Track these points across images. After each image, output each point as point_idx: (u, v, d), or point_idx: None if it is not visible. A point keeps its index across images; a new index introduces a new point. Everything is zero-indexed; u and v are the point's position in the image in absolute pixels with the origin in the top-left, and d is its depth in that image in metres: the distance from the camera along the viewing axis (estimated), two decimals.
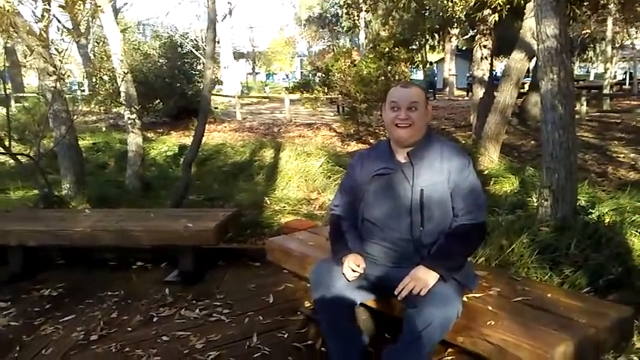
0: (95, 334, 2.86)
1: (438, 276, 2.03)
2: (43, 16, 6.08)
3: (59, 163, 7.11)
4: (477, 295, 2.24)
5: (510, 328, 1.96)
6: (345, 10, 13.23)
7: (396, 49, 9.63)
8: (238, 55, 40.78)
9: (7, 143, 5.11)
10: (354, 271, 2.17)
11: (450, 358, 2.47)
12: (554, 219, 4.10)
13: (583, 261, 3.73)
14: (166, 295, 3.36)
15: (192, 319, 3.03)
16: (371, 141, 9.93)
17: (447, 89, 28.10)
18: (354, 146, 9.92)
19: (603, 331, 1.96)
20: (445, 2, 7.40)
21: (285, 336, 2.78)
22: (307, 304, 3.08)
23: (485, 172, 6.70)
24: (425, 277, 2.03)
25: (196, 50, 15.06)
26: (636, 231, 3.98)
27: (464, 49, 30.66)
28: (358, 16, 17.90)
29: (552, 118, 4.10)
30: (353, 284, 2.20)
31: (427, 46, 20.78)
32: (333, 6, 33.60)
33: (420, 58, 14.81)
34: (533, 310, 2.10)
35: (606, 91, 17.32)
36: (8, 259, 3.74)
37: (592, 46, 32.38)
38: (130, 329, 2.93)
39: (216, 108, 16.16)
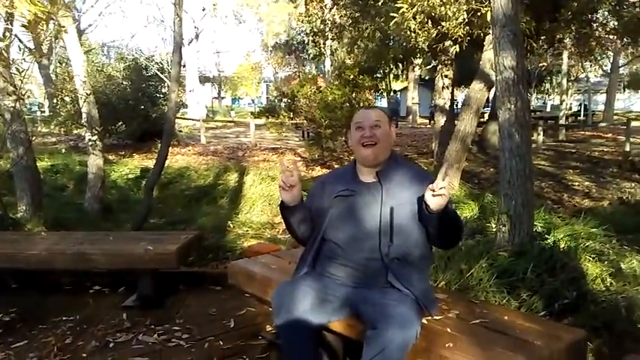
0: None
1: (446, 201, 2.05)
2: (4, 35, 5.98)
3: (15, 185, 6.91)
4: (437, 317, 2.27)
5: (468, 350, 1.99)
6: (311, 38, 13.44)
7: (361, 76, 9.82)
8: (204, 80, 40.75)
9: None
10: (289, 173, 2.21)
11: None
12: (511, 244, 4.20)
13: (539, 285, 3.83)
14: (124, 320, 3.28)
15: (149, 344, 2.96)
16: (335, 166, 10.01)
17: (410, 117, 28.64)
18: (318, 171, 9.98)
19: (557, 353, 2.01)
20: (408, 33, 7.60)
21: None
22: (269, 328, 3.06)
23: None
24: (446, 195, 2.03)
25: (161, 73, 14.93)
26: (590, 256, 4.11)
27: (427, 78, 31.39)
28: (324, 44, 18.20)
29: (509, 146, 4.23)
30: (314, 307, 2.20)
31: (391, 75, 21.24)
32: (300, 34, 34.06)
33: (384, 86, 15.07)
34: (490, 332, 2.14)
35: (562, 121, 17.95)
36: None
37: (549, 78, 33.63)
38: (84, 355, 2.85)
39: (181, 131, 16.04)
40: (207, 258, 4.93)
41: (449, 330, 2.16)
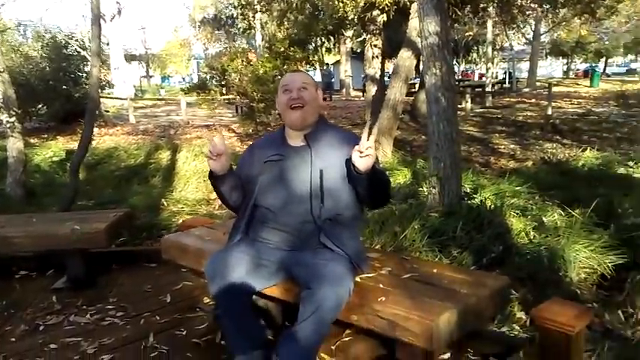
0: None
1: (372, 163, 2.05)
2: None
3: None
4: (370, 275, 2.32)
5: (400, 302, 2.06)
6: (239, 11, 13.20)
7: (292, 48, 9.75)
8: (130, 58, 39.15)
9: None
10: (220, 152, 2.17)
11: (347, 339, 2.55)
12: (441, 205, 4.36)
13: (468, 242, 4.00)
14: (54, 302, 3.17)
15: (82, 324, 2.88)
16: None
17: (344, 90, 28.80)
18: None
19: (484, 300, 2.10)
20: (336, 3, 7.58)
21: (184, 333, 2.72)
22: (206, 300, 3.04)
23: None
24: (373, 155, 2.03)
25: (83, 50, 14.27)
26: (514, 213, 4.32)
27: (358, 51, 31.60)
28: (253, 17, 17.90)
29: (437, 110, 4.35)
30: (250, 273, 2.20)
31: (323, 48, 21.20)
32: (228, 7, 33.21)
33: (316, 59, 15.04)
34: (420, 284, 2.21)
35: (488, 89, 18.58)
36: None
37: (475, 48, 34.60)
38: (13, 339, 2.73)
39: (107, 111, 15.46)
40: (141, 237, 4.82)
41: (381, 285, 2.21)
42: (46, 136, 12.50)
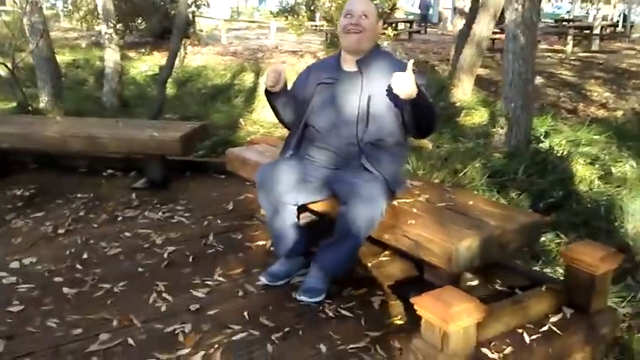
0: (63, 228, 3.08)
1: (416, 91, 2.14)
2: None
3: (37, 77, 7.14)
4: (407, 200, 2.46)
5: (427, 226, 2.19)
6: None
7: None
8: None
9: None
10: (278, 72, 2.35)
11: (384, 259, 2.74)
12: (507, 146, 4.32)
13: (528, 185, 4.00)
14: (132, 199, 3.56)
15: (154, 219, 3.24)
16: None
17: (441, 24, 27.61)
18: None
19: (509, 233, 2.19)
20: None
21: (239, 237, 3.01)
22: (263, 211, 3.31)
23: (457, 104, 6.86)
24: (410, 84, 2.12)
25: None
26: (583, 160, 4.22)
27: None
28: None
29: (513, 47, 4.23)
30: (295, 186, 2.39)
31: None
32: None
33: None
34: (452, 213, 2.32)
35: (596, 31, 17.20)
36: None
37: None
38: (95, 226, 3.15)
39: (201, 30, 15.87)
40: (217, 151, 5.18)
41: (415, 210, 2.35)
42: (143, 50, 13.14)
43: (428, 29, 22.39)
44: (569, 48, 12.83)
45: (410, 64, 2.15)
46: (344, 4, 8.18)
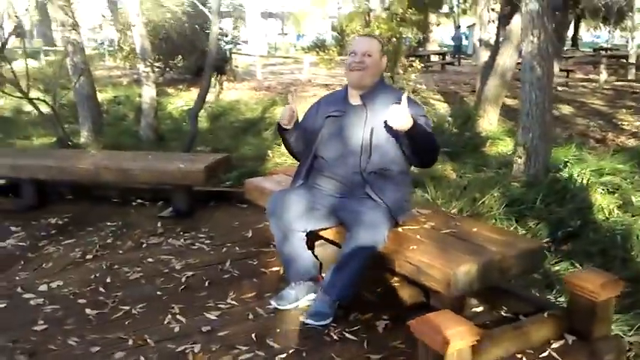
0: (91, 254, 3.26)
1: (411, 124, 2.26)
2: None
3: (78, 113, 7.55)
4: (412, 227, 2.54)
5: (428, 252, 2.27)
6: None
7: (410, 10, 9.69)
8: (267, 15, 40.55)
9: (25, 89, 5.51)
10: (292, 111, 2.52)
11: (395, 284, 2.81)
12: (526, 175, 4.34)
13: (547, 214, 4.01)
14: (158, 227, 3.74)
15: (176, 246, 3.40)
16: None
17: (475, 55, 27.65)
18: None
19: (509, 258, 2.25)
20: None
21: (255, 263, 3.13)
22: None
23: (483, 134, 6.89)
24: (405, 118, 2.26)
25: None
26: (602, 189, 4.20)
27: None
28: None
29: (530, 78, 4.30)
30: (304, 213, 2.51)
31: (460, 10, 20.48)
32: None
33: (436, 22, 14.65)
34: (454, 239, 2.39)
35: (632, 60, 16.96)
36: (22, 192, 4.15)
37: (630, 14, 31.29)
38: (121, 252, 3.32)
39: (237, 67, 16.38)
40: (242, 182, 5.35)
41: (418, 236, 2.42)
42: (181, 87, 13.63)
43: (462, 61, 22.45)
44: (602, 77, 12.69)
45: (404, 97, 2.26)
46: None
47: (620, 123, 8.59)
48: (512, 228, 3.89)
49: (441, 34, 31.81)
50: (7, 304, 2.65)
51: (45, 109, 6.17)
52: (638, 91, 12.22)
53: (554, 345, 2.20)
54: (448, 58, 21.10)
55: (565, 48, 29.99)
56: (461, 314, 2.07)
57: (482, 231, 2.50)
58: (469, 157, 6.07)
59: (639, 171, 4.83)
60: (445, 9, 27.51)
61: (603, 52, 20.05)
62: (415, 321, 1.95)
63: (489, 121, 7.08)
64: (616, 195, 4.10)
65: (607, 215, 3.84)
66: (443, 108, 9.70)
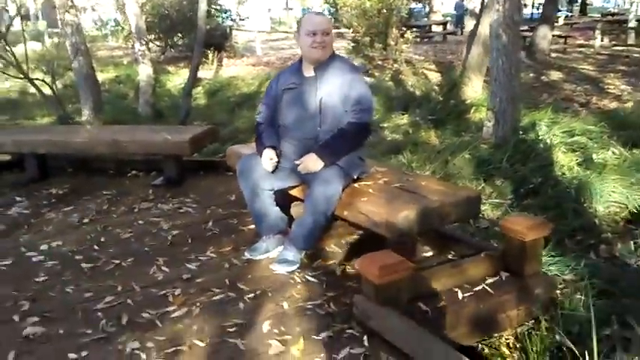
0: (87, 219, 3.59)
1: (322, 163, 2.63)
2: None
3: (79, 93, 7.84)
4: (367, 182, 2.83)
5: (376, 202, 2.56)
6: None
7: None
8: None
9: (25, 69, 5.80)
10: (271, 159, 2.78)
11: (357, 237, 3.11)
12: (494, 137, 4.60)
13: (512, 173, 4.27)
14: (149, 194, 4.06)
15: (165, 210, 3.72)
16: (376, 74, 10.30)
17: None
18: None
19: (447, 205, 2.53)
20: None
21: (235, 222, 3.44)
22: None
23: (468, 102, 7.11)
24: (312, 164, 2.64)
25: None
26: (566, 149, 4.45)
27: None
28: None
29: (497, 45, 4.52)
30: (268, 174, 2.81)
31: None
32: None
33: None
34: (402, 191, 2.68)
35: (631, 25, 16.88)
36: (25, 166, 4.49)
37: None
38: (115, 216, 3.65)
39: (236, 43, 16.55)
40: None
41: (370, 190, 2.72)
42: (181, 65, 13.85)
43: (465, 30, 22.40)
44: (597, 42, 12.74)
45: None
46: (363, 12, 8.54)
47: (606, 87, 8.75)
48: (480, 187, 4.17)
49: (447, 3, 31.63)
50: (13, 262, 2.98)
51: (46, 90, 6.47)
52: (630, 55, 12.28)
53: (488, 281, 2.50)
54: (450, 28, 21.06)
55: (569, 14, 29.79)
56: (410, 257, 2.38)
57: (430, 184, 2.79)
58: (452, 123, 6.31)
59: (608, 131, 5.06)
60: None
61: (609, 18, 19.89)
62: (360, 259, 2.27)
63: (474, 89, 7.29)
64: (577, 153, 4.35)
65: (567, 172, 4.10)
66: (435, 77, 9.89)
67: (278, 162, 2.80)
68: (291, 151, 2.83)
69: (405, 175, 2.99)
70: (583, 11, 32.09)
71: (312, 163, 2.66)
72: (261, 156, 2.81)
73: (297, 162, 2.72)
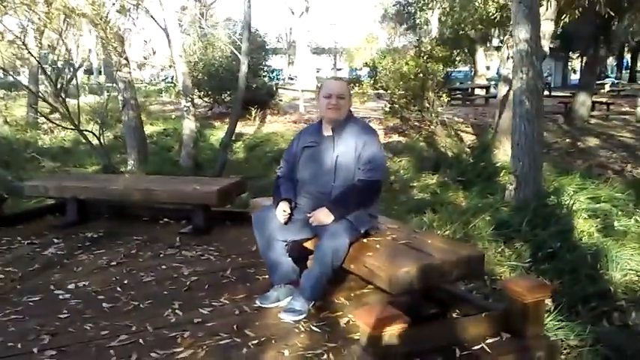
0: (115, 262, 3.80)
1: (333, 217, 2.76)
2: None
3: (126, 144, 8.33)
4: (376, 238, 2.94)
5: (381, 258, 2.66)
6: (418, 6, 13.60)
7: (438, 48, 10.11)
8: (320, 51, 42.01)
9: (76, 122, 6.26)
10: (284, 211, 2.94)
11: (367, 290, 3.19)
12: (515, 200, 4.64)
13: (532, 237, 4.29)
14: (176, 241, 4.25)
15: (188, 257, 3.90)
16: (413, 135, 10.49)
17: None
18: (395, 138, 10.54)
19: (448, 263, 2.61)
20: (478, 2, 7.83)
21: (252, 271, 3.58)
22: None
23: (498, 164, 7.16)
24: (323, 217, 2.77)
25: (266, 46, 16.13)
26: (587, 215, 4.44)
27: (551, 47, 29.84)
28: (432, 10, 18.02)
29: (520, 111, 4.64)
30: (282, 225, 2.96)
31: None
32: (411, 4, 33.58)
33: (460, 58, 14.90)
34: (407, 248, 2.77)
35: None
36: (66, 210, 4.80)
37: None
38: (141, 260, 3.85)
39: (281, 100, 17.17)
40: None
41: (377, 246, 2.82)
42: (227, 120, 14.43)
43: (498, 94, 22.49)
44: (638, 110, 12.61)
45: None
46: (400, 75, 8.83)
47: None
48: (499, 249, 4.19)
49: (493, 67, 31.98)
50: (41, 298, 3.19)
51: (95, 140, 6.93)
52: None
53: (488, 340, 2.53)
54: (493, 91, 21.24)
55: (616, 81, 29.54)
56: (413, 313, 2.44)
57: (435, 242, 2.86)
58: (480, 185, 6.36)
59: (634, 199, 5.01)
60: (495, 42, 27.67)
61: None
62: (360, 309, 2.36)
63: (505, 152, 7.33)
64: (599, 219, 4.33)
65: (586, 238, 4.08)
66: (470, 139, 9.98)
67: (291, 214, 2.96)
68: (306, 205, 2.99)
69: (413, 233, 3.08)
70: (633, 79, 31.77)
71: (323, 216, 2.80)
72: (276, 208, 2.98)
73: (309, 215, 2.87)
